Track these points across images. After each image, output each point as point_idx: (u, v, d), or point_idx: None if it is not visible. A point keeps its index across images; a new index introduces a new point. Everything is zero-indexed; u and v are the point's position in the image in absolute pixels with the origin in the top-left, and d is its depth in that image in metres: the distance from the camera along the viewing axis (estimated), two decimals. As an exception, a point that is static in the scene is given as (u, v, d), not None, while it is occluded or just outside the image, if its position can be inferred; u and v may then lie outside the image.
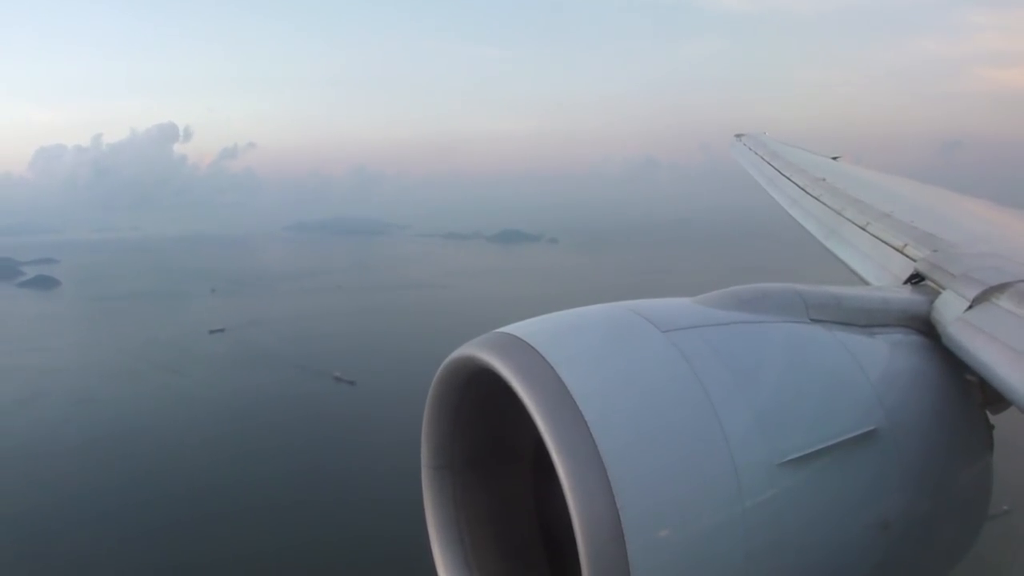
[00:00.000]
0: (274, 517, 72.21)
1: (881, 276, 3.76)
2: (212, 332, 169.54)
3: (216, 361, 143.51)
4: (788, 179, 7.12)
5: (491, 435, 2.34)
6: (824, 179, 6.32)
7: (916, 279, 3.22)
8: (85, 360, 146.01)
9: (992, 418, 2.63)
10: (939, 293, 2.82)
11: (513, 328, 2.09)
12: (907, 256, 3.63)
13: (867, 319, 2.50)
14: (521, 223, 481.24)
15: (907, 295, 2.88)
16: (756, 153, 9.10)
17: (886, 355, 2.43)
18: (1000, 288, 2.61)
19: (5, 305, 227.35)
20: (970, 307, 2.60)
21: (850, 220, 4.85)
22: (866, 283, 3.83)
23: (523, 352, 1.95)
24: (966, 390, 2.54)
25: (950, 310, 2.64)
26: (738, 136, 10.71)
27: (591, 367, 1.94)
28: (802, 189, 6.46)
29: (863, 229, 4.50)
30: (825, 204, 5.61)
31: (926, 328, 2.64)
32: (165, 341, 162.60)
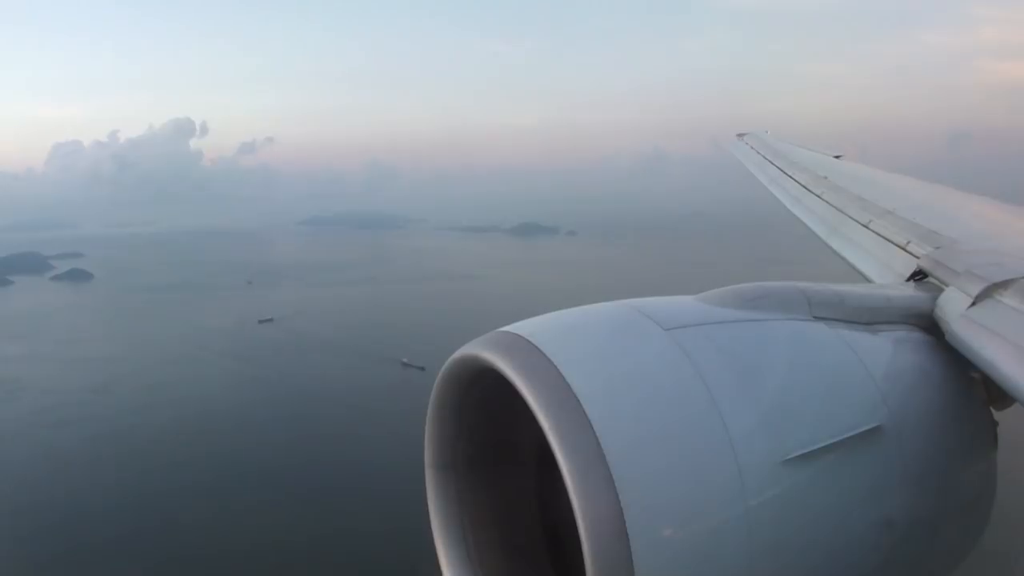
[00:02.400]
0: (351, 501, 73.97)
1: (884, 274, 3.76)
2: (261, 322, 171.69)
3: (277, 348, 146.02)
4: (790, 177, 7.14)
5: (494, 434, 2.35)
6: (826, 177, 6.33)
7: (919, 276, 3.22)
8: (146, 349, 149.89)
9: (996, 415, 2.63)
10: (942, 290, 2.83)
11: (516, 327, 2.09)
12: (910, 253, 3.63)
13: (870, 317, 2.51)
14: (537, 216, 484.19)
15: (910, 292, 2.90)
16: (758, 152, 9.09)
17: (889, 352, 2.44)
18: (1004, 285, 2.61)
19: (47, 298, 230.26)
20: (973, 304, 2.60)
21: (852, 218, 4.85)
22: (869, 281, 3.83)
23: (526, 351, 1.95)
24: (970, 387, 2.54)
25: (953, 307, 2.64)
26: (740, 135, 10.75)
27: (594, 366, 1.94)
28: (804, 187, 6.47)
29: (865, 227, 4.50)
30: (827, 202, 5.62)
31: (929, 325, 2.65)
32: (218, 330, 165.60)
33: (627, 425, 1.83)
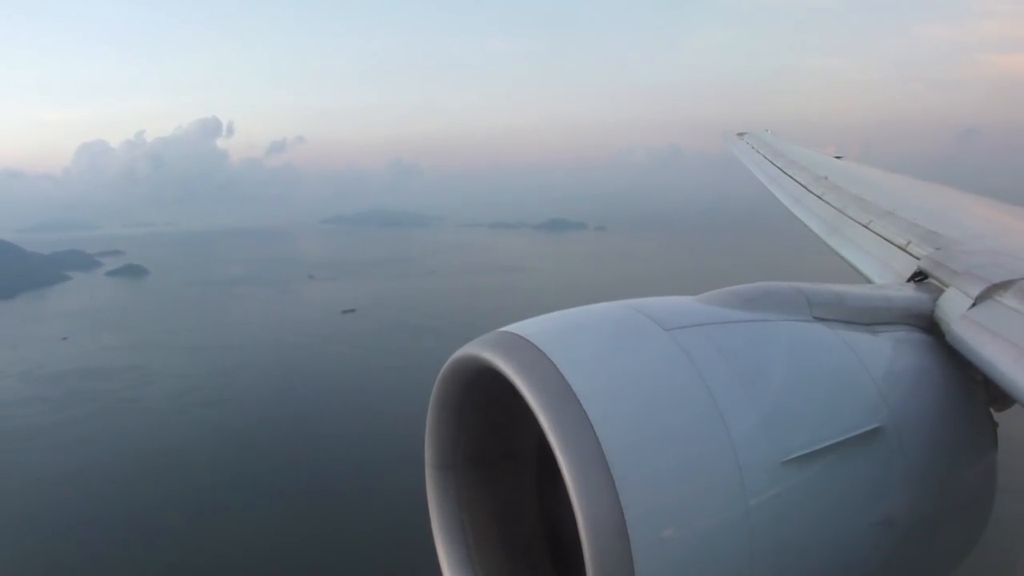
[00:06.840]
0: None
1: (884, 274, 3.76)
2: (345, 312, 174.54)
3: (377, 336, 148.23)
4: (790, 177, 7.15)
5: (494, 434, 2.35)
6: (826, 177, 6.34)
7: (919, 277, 3.22)
8: (247, 336, 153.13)
9: (996, 416, 2.64)
10: (942, 291, 2.84)
11: (516, 327, 2.09)
12: (910, 254, 3.63)
13: (870, 317, 2.51)
14: (562, 212, 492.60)
15: (910, 293, 2.89)
16: (758, 152, 9.13)
17: (890, 353, 2.43)
18: (1004, 285, 2.62)
19: (113, 292, 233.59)
20: (974, 305, 2.60)
21: (852, 218, 4.86)
22: (869, 281, 3.82)
23: (526, 351, 1.94)
24: (970, 388, 2.54)
25: (953, 308, 2.65)
26: (740, 134, 10.76)
27: (594, 366, 1.94)
28: (804, 187, 6.48)
29: (866, 227, 4.50)
30: (827, 202, 5.63)
31: (929, 326, 2.66)
32: (307, 319, 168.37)
33: (628, 425, 1.82)
